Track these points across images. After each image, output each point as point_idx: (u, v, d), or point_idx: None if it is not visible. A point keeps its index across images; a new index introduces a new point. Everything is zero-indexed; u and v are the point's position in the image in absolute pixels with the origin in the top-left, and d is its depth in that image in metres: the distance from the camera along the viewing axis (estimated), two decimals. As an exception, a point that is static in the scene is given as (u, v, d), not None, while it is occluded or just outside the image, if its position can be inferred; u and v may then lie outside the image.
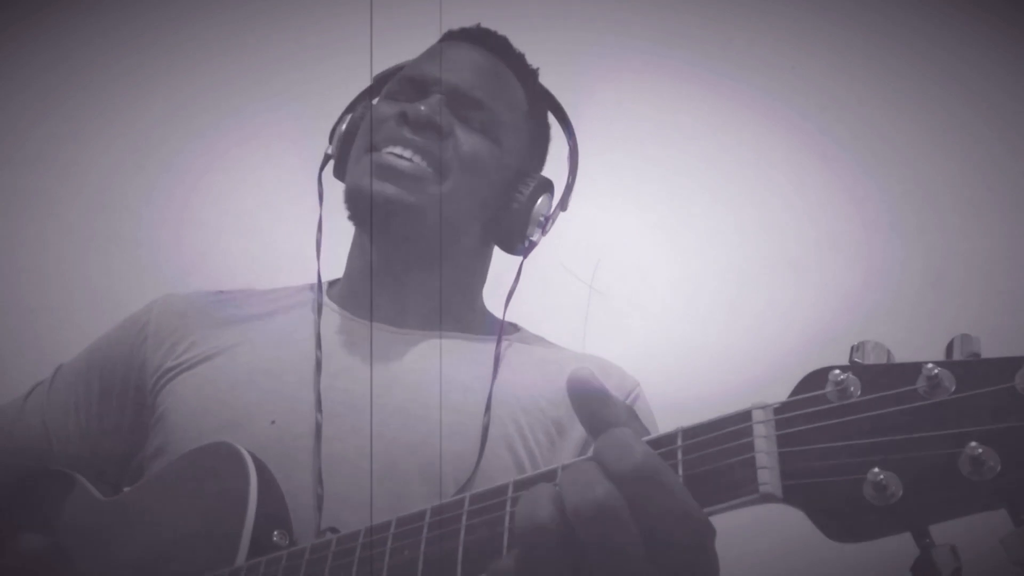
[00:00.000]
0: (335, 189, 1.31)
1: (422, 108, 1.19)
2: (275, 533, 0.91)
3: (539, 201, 1.27)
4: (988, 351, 2.06)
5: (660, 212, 2.25)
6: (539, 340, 1.30)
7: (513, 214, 1.25)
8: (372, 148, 1.21)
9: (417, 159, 1.18)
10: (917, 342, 2.16)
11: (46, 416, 1.22)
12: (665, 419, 1.21)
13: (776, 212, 2.24)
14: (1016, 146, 2.12)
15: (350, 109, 1.34)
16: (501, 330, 1.23)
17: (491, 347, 1.20)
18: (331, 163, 1.33)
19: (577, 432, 1.12)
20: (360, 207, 1.20)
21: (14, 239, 2.27)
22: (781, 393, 2.17)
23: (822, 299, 2.23)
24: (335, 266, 1.35)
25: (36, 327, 1.29)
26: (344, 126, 1.30)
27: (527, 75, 1.34)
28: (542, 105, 1.37)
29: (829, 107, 2.19)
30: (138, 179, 2.31)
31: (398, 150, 1.18)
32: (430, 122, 1.19)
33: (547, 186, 1.30)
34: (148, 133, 2.29)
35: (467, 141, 1.21)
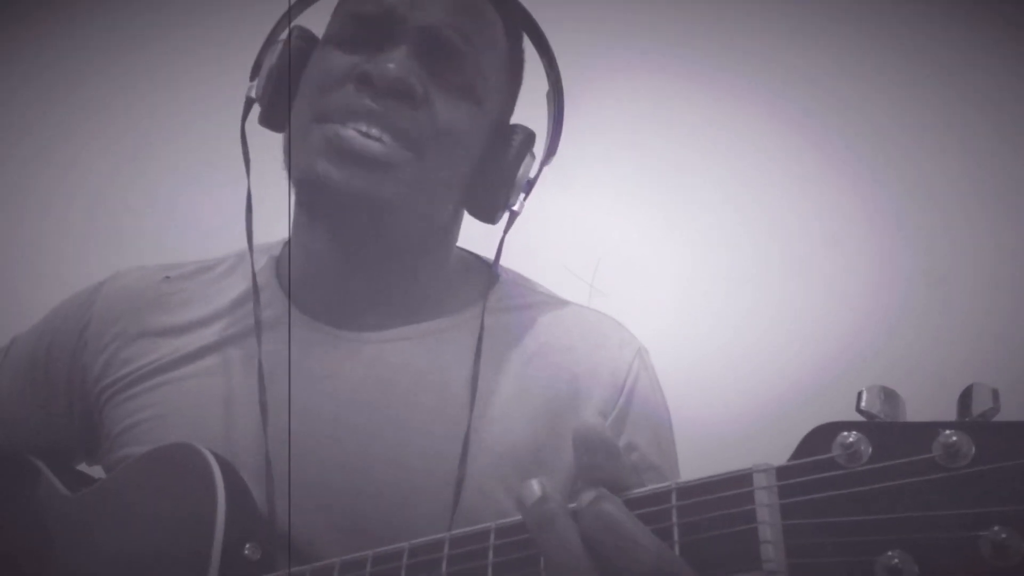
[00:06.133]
0: (264, 141, 1.06)
1: (391, 67, 0.92)
2: (247, 547, 0.87)
3: (524, 162, 1.02)
4: (991, 351, 1.99)
5: (661, 211, 2.22)
6: (523, 299, 1.09)
7: (494, 182, 1.01)
8: (324, 118, 0.95)
9: (387, 138, 0.92)
10: (921, 341, 2.12)
11: None
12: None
13: (778, 211, 2.21)
14: (1019, 145, 2.09)
15: (277, 33, 1.05)
16: (479, 351, 1.01)
17: (467, 333, 1.02)
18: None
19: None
20: (319, 199, 0.95)
21: (12, 238, 2.24)
22: (783, 397, 2.13)
23: (824, 298, 2.21)
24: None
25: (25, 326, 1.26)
26: (274, 59, 1.01)
27: None
28: (515, 26, 1.06)
29: (832, 105, 2.15)
30: (139, 178, 2.28)
31: (362, 127, 0.92)
32: (404, 87, 0.92)
33: (530, 141, 1.04)
34: (149, 132, 2.27)
35: (445, 108, 0.96)
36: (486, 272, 1.10)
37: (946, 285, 2.10)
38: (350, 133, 0.92)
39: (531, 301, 1.09)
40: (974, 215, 2.11)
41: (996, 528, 0.50)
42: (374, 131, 0.93)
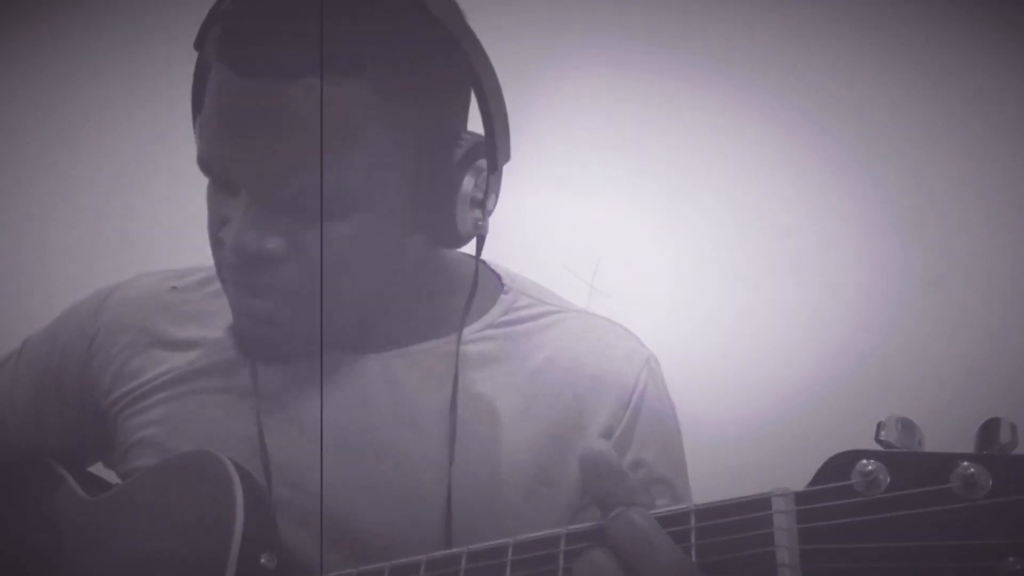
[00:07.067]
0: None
1: (232, 239, 0.85)
2: (263, 556, 0.87)
3: (464, 180, 0.91)
4: (988, 351, 2.00)
5: (660, 212, 2.22)
6: (528, 311, 1.03)
7: (438, 211, 0.90)
8: (222, 280, 0.92)
9: (274, 298, 0.88)
10: (919, 342, 2.13)
11: (12, 399, 1.15)
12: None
13: (777, 212, 2.21)
14: (1017, 145, 2.10)
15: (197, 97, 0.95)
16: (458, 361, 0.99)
17: (470, 346, 0.99)
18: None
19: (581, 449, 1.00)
20: (258, 356, 0.95)
21: (15, 239, 2.24)
22: (783, 399, 2.13)
23: (823, 299, 2.22)
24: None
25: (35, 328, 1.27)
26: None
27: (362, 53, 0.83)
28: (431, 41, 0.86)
29: (830, 107, 2.16)
30: (141, 179, 2.28)
31: (246, 295, 0.89)
32: (251, 257, 0.86)
33: (474, 153, 0.91)
34: (152, 133, 2.26)
35: (324, 234, 0.87)
36: (496, 286, 1.08)
37: (946, 285, 2.11)
38: (243, 300, 0.90)
39: (536, 312, 1.06)
40: (973, 215, 2.12)
41: (1011, 560, 0.50)
42: (257, 297, 0.89)
